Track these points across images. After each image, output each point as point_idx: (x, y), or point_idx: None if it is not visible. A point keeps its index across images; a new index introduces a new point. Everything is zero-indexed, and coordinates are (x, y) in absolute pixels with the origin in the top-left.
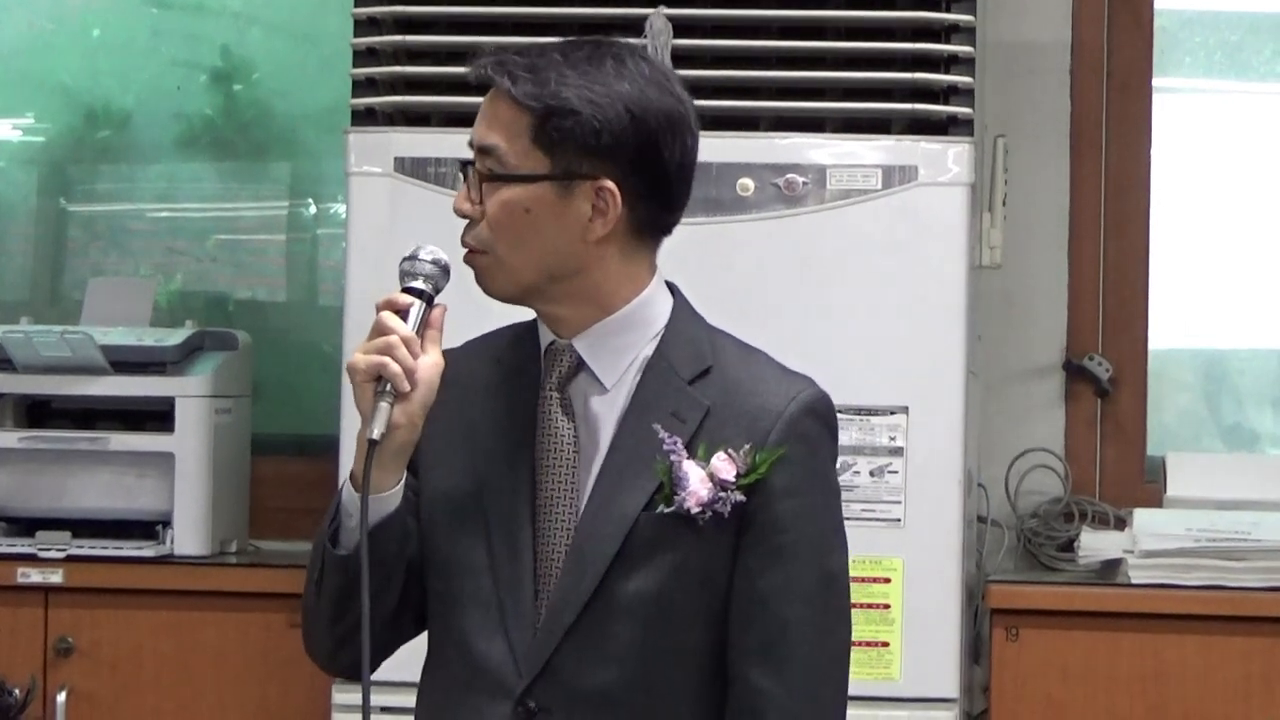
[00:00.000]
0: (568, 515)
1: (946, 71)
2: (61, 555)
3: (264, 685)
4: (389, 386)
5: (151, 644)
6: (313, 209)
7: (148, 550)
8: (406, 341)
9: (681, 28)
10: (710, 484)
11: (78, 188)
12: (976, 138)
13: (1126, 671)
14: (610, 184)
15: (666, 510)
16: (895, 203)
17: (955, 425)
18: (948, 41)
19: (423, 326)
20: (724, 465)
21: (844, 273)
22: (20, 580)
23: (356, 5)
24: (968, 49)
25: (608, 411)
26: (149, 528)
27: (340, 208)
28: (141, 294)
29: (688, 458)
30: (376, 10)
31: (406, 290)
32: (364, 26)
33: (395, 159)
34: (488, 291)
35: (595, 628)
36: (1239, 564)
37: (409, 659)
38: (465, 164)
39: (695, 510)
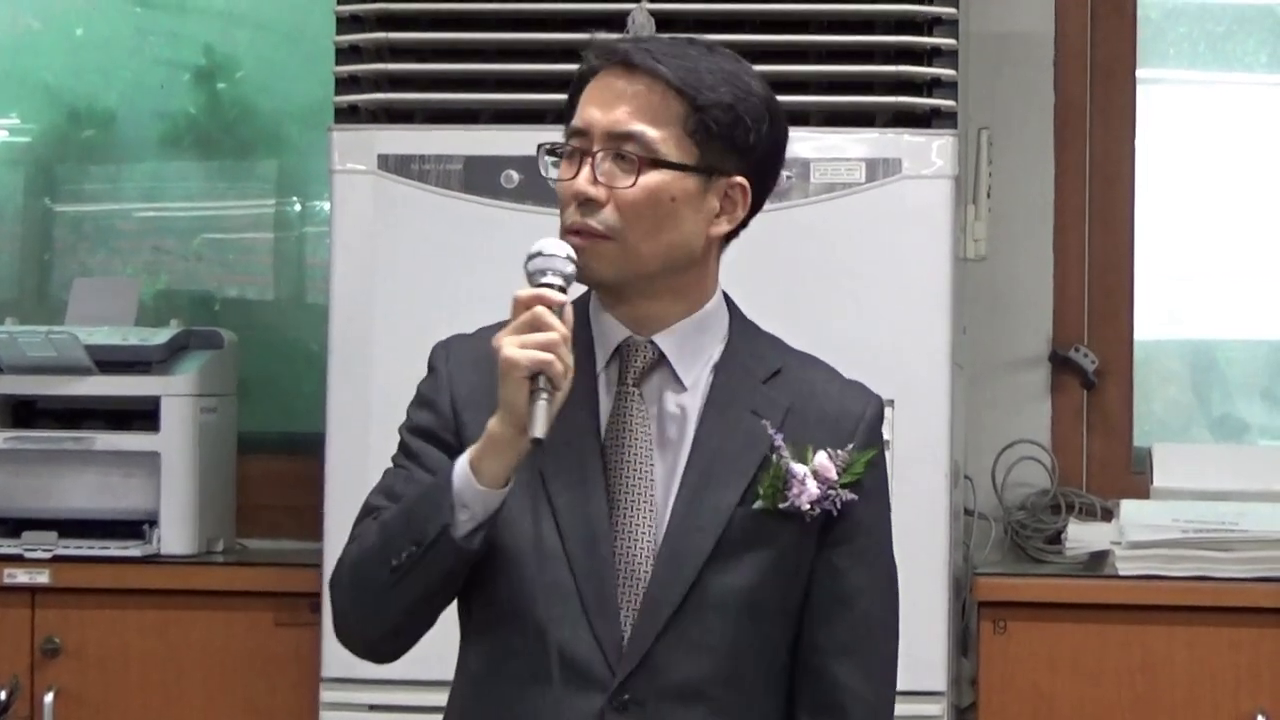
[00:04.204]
0: (646, 509)
1: (929, 64)
2: (48, 555)
3: (251, 684)
4: (546, 384)
5: (139, 644)
6: (298, 207)
7: (134, 550)
8: (566, 340)
9: (663, 22)
10: (818, 482)
11: (63, 187)
12: (960, 130)
13: (1114, 663)
14: (744, 182)
15: (782, 506)
16: (879, 196)
17: (941, 418)
18: (930, 34)
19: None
20: (828, 464)
21: (828, 266)
22: (7, 581)
23: (339, 3)
24: (950, 41)
25: (685, 409)
26: (135, 527)
27: (326, 205)
28: (126, 293)
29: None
30: (359, 8)
31: (544, 287)
32: (347, 24)
33: (379, 156)
34: (595, 277)
35: (692, 621)
36: (1226, 555)
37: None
38: (577, 148)
39: (806, 507)
